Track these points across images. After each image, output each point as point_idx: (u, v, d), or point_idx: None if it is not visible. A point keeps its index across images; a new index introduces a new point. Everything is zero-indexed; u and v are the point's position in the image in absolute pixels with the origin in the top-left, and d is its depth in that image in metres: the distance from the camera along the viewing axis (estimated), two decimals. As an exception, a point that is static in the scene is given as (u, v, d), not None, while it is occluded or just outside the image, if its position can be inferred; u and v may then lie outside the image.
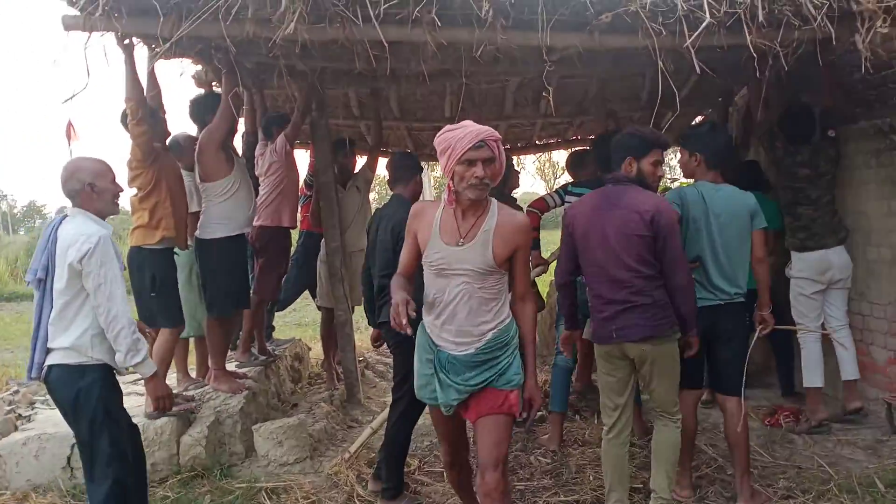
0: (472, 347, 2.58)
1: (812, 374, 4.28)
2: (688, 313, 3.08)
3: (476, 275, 2.54)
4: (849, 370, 4.28)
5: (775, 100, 4.30)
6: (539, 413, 4.80)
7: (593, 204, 3.17)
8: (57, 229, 2.79)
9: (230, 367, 4.75)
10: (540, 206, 4.53)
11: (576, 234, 3.18)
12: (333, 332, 5.40)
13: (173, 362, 4.51)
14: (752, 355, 5.22)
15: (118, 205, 3.06)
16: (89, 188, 2.81)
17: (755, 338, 3.51)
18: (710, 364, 3.46)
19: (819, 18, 3.13)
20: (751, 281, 3.49)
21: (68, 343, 2.75)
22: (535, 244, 4.61)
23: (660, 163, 3.14)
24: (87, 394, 2.76)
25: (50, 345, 2.77)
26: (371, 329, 3.98)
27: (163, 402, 2.95)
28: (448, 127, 2.52)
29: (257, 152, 4.95)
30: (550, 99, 3.22)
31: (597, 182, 4.30)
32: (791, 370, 4.78)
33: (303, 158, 6.17)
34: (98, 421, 2.77)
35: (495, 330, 2.60)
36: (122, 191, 3.02)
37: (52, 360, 2.78)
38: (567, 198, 4.37)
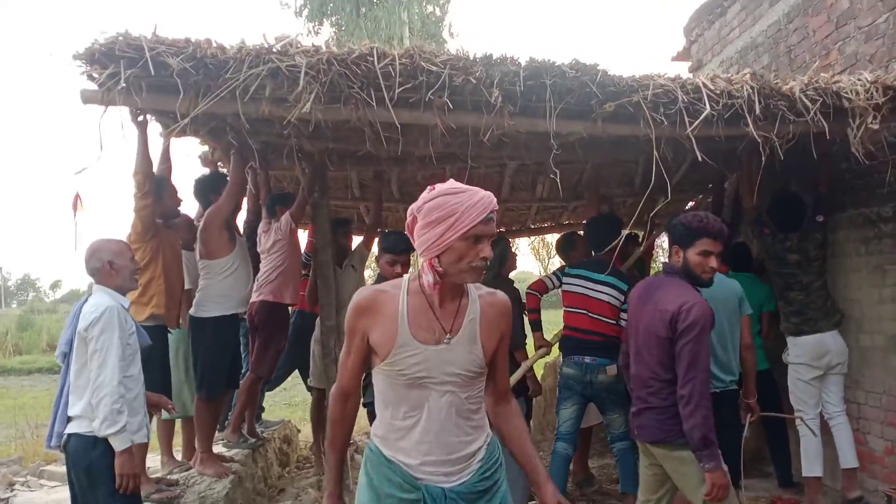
0: (468, 474, 1.99)
1: (812, 464, 4.23)
2: (689, 430, 2.78)
3: (464, 380, 1.96)
4: (848, 458, 4.22)
5: (764, 187, 4.44)
6: (533, 502, 4.70)
7: (638, 293, 3.13)
8: (82, 307, 2.97)
9: (217, 448, 4.60)
10: (539, 287, 4.55)
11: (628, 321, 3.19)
12: (324, 414, 5.26)
13: (157, 444, 4.37)
14: (746, 442, 5.23)
15: (137, 280, 3.27)
16: (108, 266, 3.03)
17: (746, 426, 3.48)
18: None
19: (812, 113, 3.29)
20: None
21: (80, 411, 2.85)
22: (537, 326, 4.59)
23: (710, 253, 2.93)
24: (98, 464, 2.82)
25: (69, 413, 2.88)
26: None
27: (127, 479, 2.86)
28: (447, 188, 1.90)
29: (261, 229, 4.98)
30: (558, 181, 3.30)
31: (592, 262, 4.36)
32: (788, 458, 4.71)
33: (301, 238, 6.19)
34: (110, 492, 2.82)
35: (485, 446, 2.04)
36: (139, 267, 3.23)
37: (70, 428, 2.88)
38: (564, 279, 4.42)
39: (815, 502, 4.17)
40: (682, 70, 6.88)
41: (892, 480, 4.12)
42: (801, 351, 4.34)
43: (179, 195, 4.36)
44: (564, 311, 4.37)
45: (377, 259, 3.80)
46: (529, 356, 4.68)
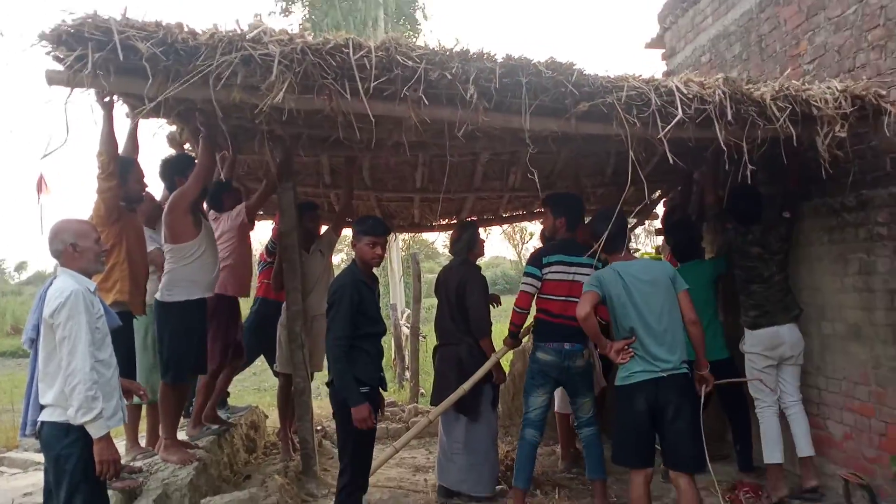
0: None
1: (772, 451, 4.35)
2: None
3: None
4: (804, 447, 4.35)
5: (726, 183, 4.52)
6: (500, 487, 4.79)
7: None
8: (47, 290, 2.89)
9: (181, 434, 4.56)
10: (525, 304, 4.38)
11: None
12: (291, 399, 5.25)
13: (123, 429, 4.31)
14: (708, 426, 5.36)
15: (104, 263, 3.17)
16: (71, 248, 2.94)
17: (701, 401, 3.54)
18: (661, 440, 3.50)
19: (782, 120, 3.36)
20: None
21: (52, 399, 2.82)
22: (514, 336, 4.61)
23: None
24: (67, 453, 2.80)
25: (41, 401, 2.85)
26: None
27: (106, 466, 2.84)
28: None
29: (210, 217, 4.87)
30: (536, 179, 3.33)
31: (565, 244, 4.37)
32: (749, 443, 4.81)
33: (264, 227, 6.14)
34: (75, 482, 2.81)
35: None
36: (105, 250, 3.13)
37: (43, 416, 2.85)
38: (544, 271, 4.32)
39: (776, 489, 4.27)
40: (656, 57, 6.93)
41: (850, 465, 4.25)
42: (756, 340, 4.46)
43: (145, 179, 4.26)
44: (540, 297, 4.34)
45: (353, 244, 3.77)
46: (496, 348, 4.72)
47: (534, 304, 4.41)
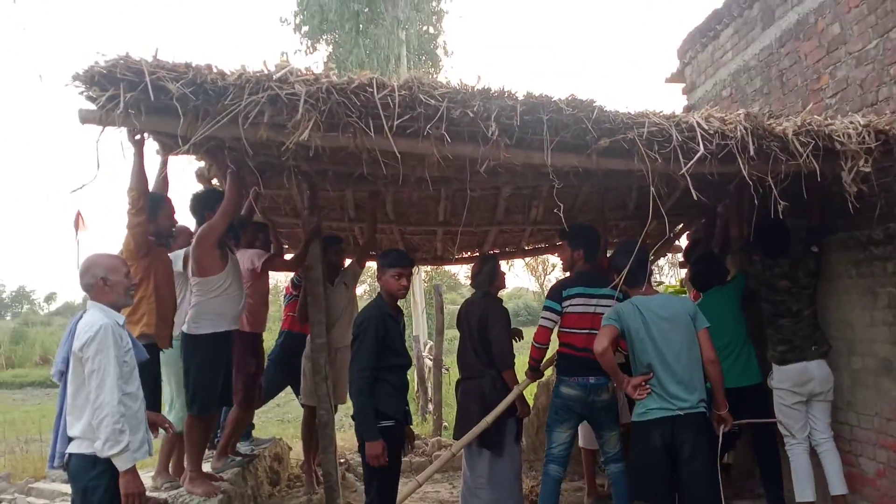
0: None
1: (803, 489, 4.25)
2: None
3: None
4: (836, 485, 4.23)
5: (751, 216, 4.49)
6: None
7: None
8: (77, 323, 2.95)
9: (206, 466, 4.58)
10: (544, 339, 4.41)
11: None
12: (315, 431, 5.26)
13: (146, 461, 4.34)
14: (736, 464, 5.25)
15: (133, 296, 3.27)
16: (102, 282, 3.01)
17: (720, 441, 3.49)
18: (678, 478, 3.44)
19: (805, 155, 3.34)
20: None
21: (80, 431, 2.86)
22: (535, 370, 4.59)
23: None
24: (95, 485, 2.84)
25: (69, 433, 2.89)
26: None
27: (132, 499, 2.87)
28: None
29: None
30: (562, 214, 3.32)
31: (585, 276, 4.36)
32: (779, 479, 4.68)
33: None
34: None
35: None
36: (134, 283, 3.20)
37: (71, 448, 2.89)
38: (564, 304, 4.32)
39: None
40: (676, 91, 6.95)
41: (883, 503, 4.13)
42: (784, 377, 4.38)
43: (175, 216, 4.36)
44: (563, 331, 4.33)
45: (378, 276, 3.81)
46: (519, 380, 4.69)
47: (555, 337, 4.40)
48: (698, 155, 3.24)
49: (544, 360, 4.61)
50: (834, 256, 4.58)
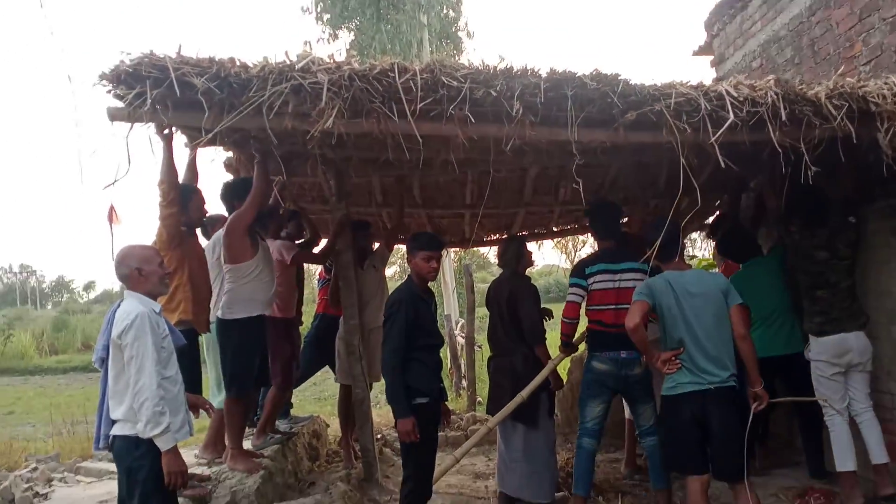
0: None
1: (844, 458, 4.19)
2: None
3: None
4: (877, 454, 4.18)
5: (789, 187, 4.40)
6: (560, 494, 4.78)
7: None
8: (115, 312, 3.05)
9: (247, 444, 4.72)
10: (573, 314, 4.41)
11: None
12: (351, 409, 5.37)
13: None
14: (777, 432, 5.21)
15: (168, 285, 3.38)
16: (136, 272, 3.09)
17: (751, 415, 3.48)
18: (710, 453, 3.46)
19: (839, 118, 3.25)
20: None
21: (122, 414, 2.97)
22: (567, 346, 4.59)
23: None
24: (139, 465, 2.94)
25: (112, 416, 3.00)
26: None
27: (174, 477, 2.97)
28: None
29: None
30: (581, 189, 3.29)
31: (607, 253, 4.35)
32: (820, 448, 4.66)
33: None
34: (147, 491, 2.94)
35: None
36: (168, 273, 3.29)
37: (114, 430, 3.01)
38: (589, 281, 4.33)
39: (851, 497, 4.10)
40: (704, 64, 6.79)
41: (927, 471, 4.08)
42: (822, 349, 4.31)
43: (206, 206, 4.44)
44: (591, 309, 4.35)
45: (408, 259, 3.84)
46: (552, 355, 4.71)
47: (584, 314, 4.40)
48: (728, 122, 3.17)
49: (576, 335, 4.61)
50: (872, 226, 4.46)
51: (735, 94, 3.24)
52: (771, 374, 4.30)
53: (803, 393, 4.33)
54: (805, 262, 4.41)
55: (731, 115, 3.17)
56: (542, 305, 4.97)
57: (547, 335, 4.79)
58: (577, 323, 4.43)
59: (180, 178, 4.17)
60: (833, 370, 4.28)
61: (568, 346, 4.59)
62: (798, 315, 4.65)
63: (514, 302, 4.72)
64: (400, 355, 3.58)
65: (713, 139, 3.19)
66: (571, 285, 4.42)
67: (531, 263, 5.24)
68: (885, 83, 3.36)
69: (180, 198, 4.05)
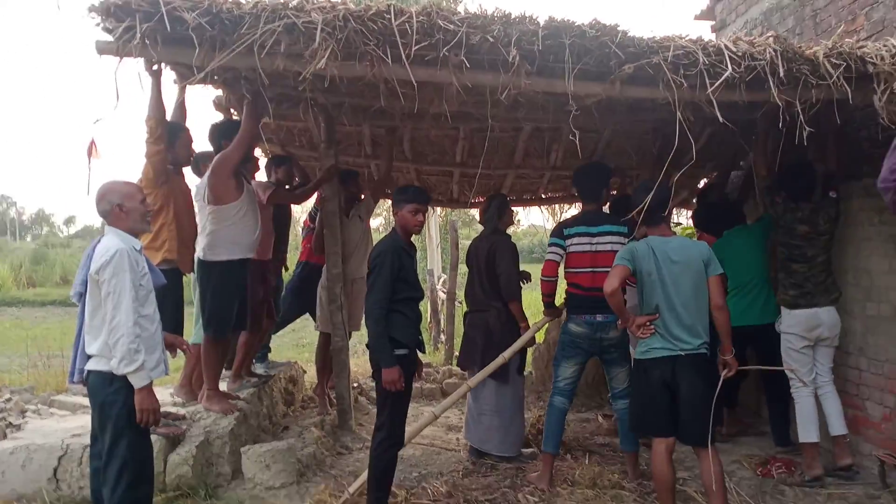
0: None
1: (807, 429, 4.30)
2: None
3: None
4: (836, 426, 4.30)
5: (780, 157, 4.41)
6: (530, 450, 4.87)
7: None
8: (95, 248, 3.01)
9: (223, 386, 4.74)
10: (551, 272, 4.41)
11: None
12: (329, 357, 5.40)
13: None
14: (745, 401, 5.33)
15: (150, 223, 3.31)
16: (118, 209, 3.03)
17: (721, 382, 3.53)
18: (676, 415, 3.52)
19: (836, 78, 3.23)
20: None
21: (97, 350, 2.96)
22: (549, 305, 4.59)
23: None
24: (112, 400, 2.94)
25: (87, 351, 2.99)
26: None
27: (146, 415, 2.97)
28: None
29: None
30: (577, 144, 3.24)
31: (587, 215, 4.35)
32: (786, 419, 4.78)
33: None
34: (120, 427, 2.95)
35: None
36: (150, 210, 3.23)
37: (89, 365, 3.00)
38: (567, 242, 4.33)
39: (812, 467, 4.22)
40: (705, 30, 6.74)
41: (886, 446, 4.20)
42: (794, 321, 4.38)
43: (193, 145, 4.37)
44: (569, 271, 4.36)
45: (394, 211, 3.80)
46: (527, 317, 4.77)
47: (563, 276, 4.42)
48: (725, 75, 3.13)
49: (556, 297, 4.63)
50: (856, 203, 4.50)
51: (734, 49, 3.19)
52: (743, 344, 4.37)
53: (773, 364, 4.42)
54: (785, 235, 4.45)
55: (730, 69, 3.13)
56: (524, 267, 5.00)
57: (524, 299, 4.83)
58: (556, 282, 4.45)
59: (168, 116, 4.09)
60: (803, 343, 4.36)
61: (551, 308, 4.62)
62: (775, 286, 4.72)
63: (493, 257, 4.76)
64: (385, 306, 3.58)
65: (709, 91, 3.15)
66: (550, 245, 4.45)
67: (512, 222, 5.26)
68: (884, 45, 3.31)
69: (167, 135, 3.98)
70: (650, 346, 3.54)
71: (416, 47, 2.97)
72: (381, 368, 3.53)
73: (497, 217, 4.92)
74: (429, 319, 11.75)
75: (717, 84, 3.18)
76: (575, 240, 4.30)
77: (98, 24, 2.91)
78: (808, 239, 4.35)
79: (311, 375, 6.57)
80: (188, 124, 4.48)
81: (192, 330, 4.60)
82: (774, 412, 4.90)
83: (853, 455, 4.31)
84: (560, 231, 4.39)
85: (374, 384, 3.83)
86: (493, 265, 4.75)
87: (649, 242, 3.58)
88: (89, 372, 3.01)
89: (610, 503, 3.90)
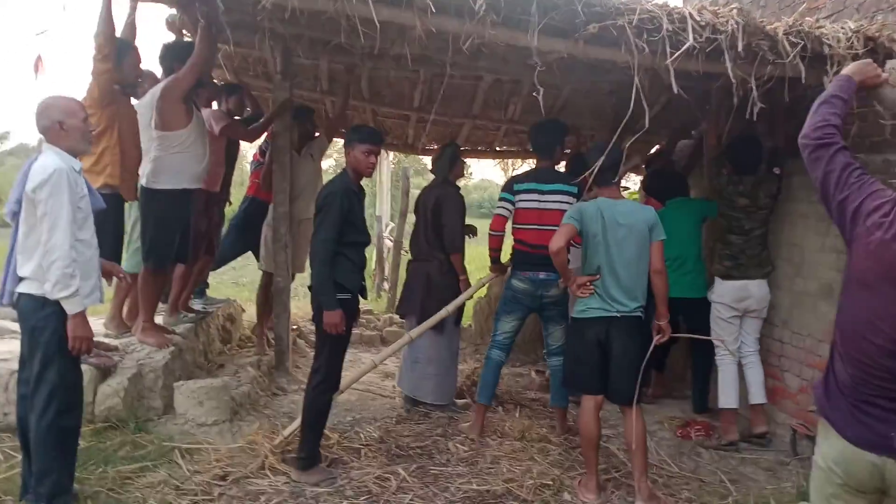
0: None
1: (727, 396, 4.50)
2: None
3: None
4: (756, 395, 4.51)
5: (729, 130, 4.49)
6: (464, 401, 4.97)
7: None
8: (31, 165, 2.86)
9: (159, 320, 4.64)
10: (500, 226, 4.44)
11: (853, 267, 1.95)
12: (270, 297, 5.34)
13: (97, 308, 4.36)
14: (672, 366, 5.55)
15: (91, 143, 3.15)
16: (58, 126, 2.89)
17: (652, 346, 3.61)
18: (606, 374, 3.61)
19: (792, 56, 3.29)
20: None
21: (30, 272, 2.84)
22: (496, 261, 4.61)
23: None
24: (43, 325, 2.84)
25: (19, 273, 2.87)
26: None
27: (78, 342, 2.89)
28: None
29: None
30: (541, 99, 3.22)
31: (540, 172, 4.40)
32: (707, 386, 4.98)
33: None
34: (50, 353, 2.86)
35: None
36: (92, 130, 3.08)
37: (21, 288, 2.88)
38: (516, 197, 4.35)
39: (728, 432, 4.43)
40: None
41: (800, 416, 4.41)
42: (724, 291, 4.54)
43: (141, 66, 4.17)
44: (515, 227, 4.40)
45: (346, 151, 3.71)
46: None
47: (510, 232, 4.46)
48: (686, 45, 3.15)
49: (503, 254, 4.66)
50: (797, 180, 4.61)
51: (697, 19, 3.22)
52: (675, 312, 4.51)
53: (702, 333, 4.60)
54: (726, 207, 4.56)
55: (691, 39, 3.15)
56: (472, 221, 5.03)
57: (469, 253, 4.85)
58: (503, 237, 4.48)
59: (118, 34, 3.91)
60: (731, 313, 4.53)
61: (497, 265, 4.65)
62: (710, 261, 4.86)
63: (440, 208, 4.76)
64: (331, 247, 3.53)
65: (669, 60, 3.18)
66: (500, 199, 4.48)
67: (463, 174, 5.24)
68: (842, 27, 3.39)
69: (115, 53, 3.81)
70: (588, 306, 3.61)
71: (383, -15, 2.88)
72: (322, 310, 3.51)
73: (448, 167, 4.90)
74: (373, 266, 11.74)
75: (677, 54, 3.20)
76: (524, 196, 4.32)
77: None
78: (747, 212, 4.47)
79: (249, 315, 6.49)
80: (137, 43, 4.28)
81: (124, 257, 4.46)
82: (697, 378, 5.10)
83: (768, 423, 4.53)
84: (510, 186, 4.41)
85: (313, 327, 3.81)
86: (439, 216, 4.75)
87: (598, 204, 3.61)
88: (20, 295, 2.89)
89: (536, 455, 4.00)
